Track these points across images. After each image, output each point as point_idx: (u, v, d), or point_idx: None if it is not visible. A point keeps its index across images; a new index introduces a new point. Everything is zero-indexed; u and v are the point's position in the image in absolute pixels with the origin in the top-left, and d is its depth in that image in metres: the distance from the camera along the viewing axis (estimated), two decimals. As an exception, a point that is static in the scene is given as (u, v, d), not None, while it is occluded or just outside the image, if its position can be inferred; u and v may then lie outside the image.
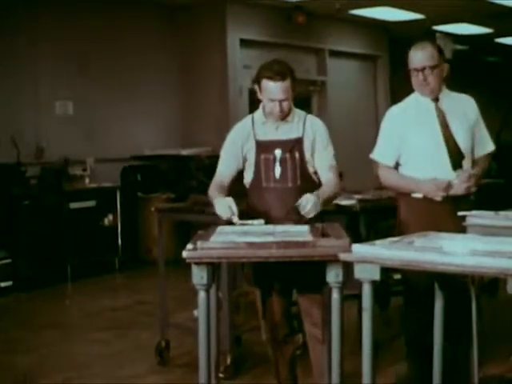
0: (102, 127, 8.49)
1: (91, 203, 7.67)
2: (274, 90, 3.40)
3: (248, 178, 3.56)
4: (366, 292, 2.67)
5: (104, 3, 8.45)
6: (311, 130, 3.52)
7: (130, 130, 8.76)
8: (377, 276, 2.64)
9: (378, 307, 5.11)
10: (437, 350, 3.14)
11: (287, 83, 3.41)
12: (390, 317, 5.50)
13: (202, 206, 4.54)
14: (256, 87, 3.49)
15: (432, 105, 3.72)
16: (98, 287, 7.13)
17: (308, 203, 3.25)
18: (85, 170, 7.96)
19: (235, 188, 3.59)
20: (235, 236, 2.97)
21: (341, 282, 2.82)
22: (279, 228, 3.16)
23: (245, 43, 9.41)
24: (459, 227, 3.14)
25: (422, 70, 3.63)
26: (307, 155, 3.49)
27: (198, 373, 2.91)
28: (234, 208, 3.26)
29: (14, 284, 6.88)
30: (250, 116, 3.63)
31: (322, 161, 3.52)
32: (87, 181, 7.94)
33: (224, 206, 3.29)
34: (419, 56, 3.64)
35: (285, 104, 3.43)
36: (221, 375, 4.14)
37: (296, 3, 9.48)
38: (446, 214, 3.54)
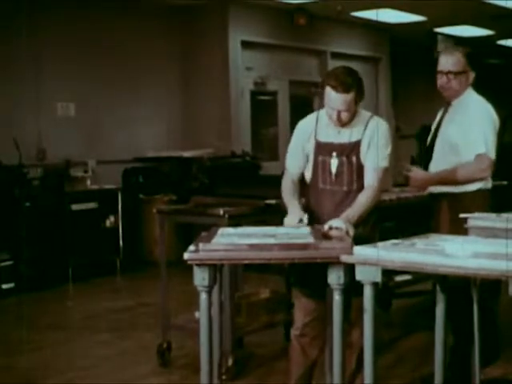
0: (103, 129, 8.50)
1: (93, 205, 7.67)
2: (335, 100, 3.32)
3: (307, 176, 3.57)
4: (368, 294, 2.67)
5: (105, 5, 8.45)
6: (370, 132, 3.44)
7: (131, 131, 8.76)
8: (378, 278, 2.64)
9: (379, 309, 5.11)
10: (438, 350, 3.14)
11: (350, 96, 3.31)
12: (391, 318, 5.50)
13: (203, 208, 4.55)
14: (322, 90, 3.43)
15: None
16: (99, 289, 7.13)
17: (338, 231, 3.15)
18: (86, 171, 7.97)
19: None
20: (237, 238, 2.97)
21: (342, 284, 2.81)
22: (281, 230, 3.16)
23: (246, 45, 9.42)
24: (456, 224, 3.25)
25: (447, 73, 3.78)
26: (363, 158, 3.45)
27: (199, 374, 2.92)
28: (305, 221, 3.24)
29: (16, 285, 6.87)
30: (315, 114, 3.57)
31: (368, 161, 3.44)
32: (89, 182, 7.94)
33: (294, 219, 3.26)
34: (447, 60, 3.80)
35: (344, 115, 3.36)
36: (222, 377, 4.14)
37: (298, 5, 9.48)
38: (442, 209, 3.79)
